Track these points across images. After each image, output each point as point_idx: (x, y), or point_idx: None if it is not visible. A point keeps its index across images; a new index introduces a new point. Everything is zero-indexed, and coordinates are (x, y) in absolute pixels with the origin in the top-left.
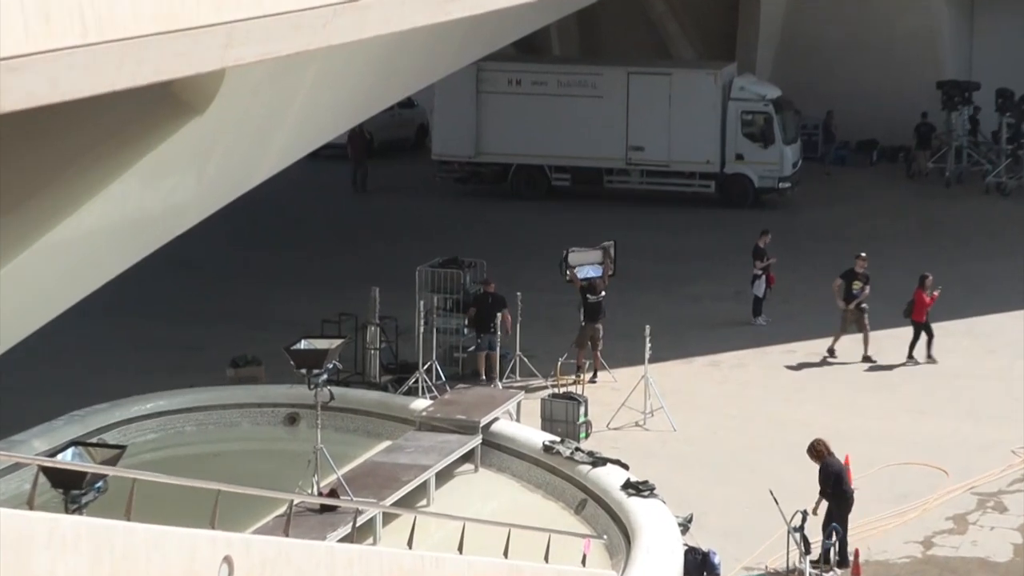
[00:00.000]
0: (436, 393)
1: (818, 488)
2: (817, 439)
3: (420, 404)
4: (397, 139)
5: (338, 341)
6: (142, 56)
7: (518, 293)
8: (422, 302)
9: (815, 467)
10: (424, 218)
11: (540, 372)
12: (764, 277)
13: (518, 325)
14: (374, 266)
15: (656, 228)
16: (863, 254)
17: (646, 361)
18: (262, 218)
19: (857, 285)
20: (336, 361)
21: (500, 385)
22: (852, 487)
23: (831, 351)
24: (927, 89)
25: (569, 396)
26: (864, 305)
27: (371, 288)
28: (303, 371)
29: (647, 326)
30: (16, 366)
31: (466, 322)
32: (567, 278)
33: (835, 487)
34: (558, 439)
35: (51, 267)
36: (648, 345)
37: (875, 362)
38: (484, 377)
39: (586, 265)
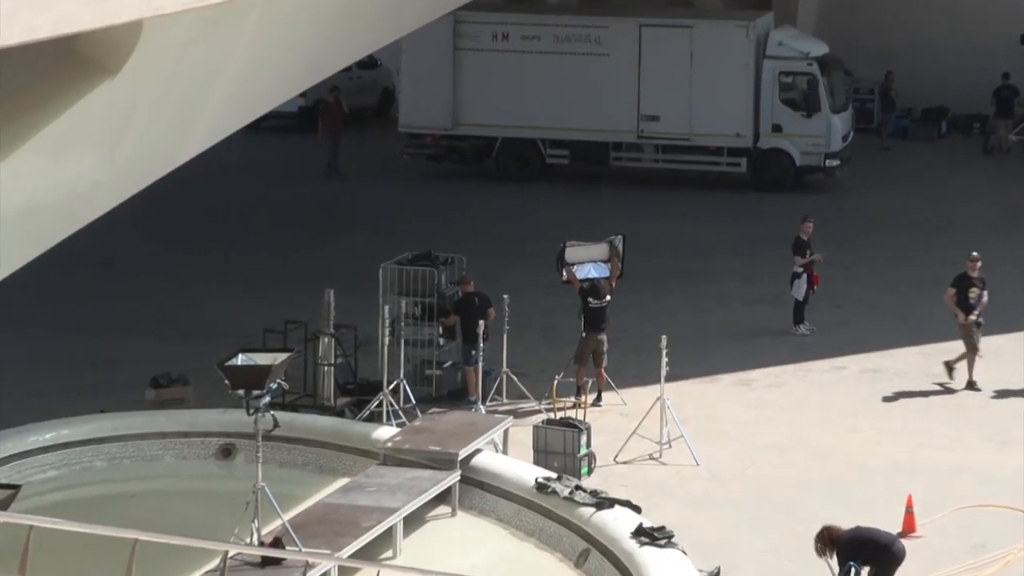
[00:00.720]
0: (404, 419)
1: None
2: (823, 528)
3: (385, 433)
4: (356, 107)
5: (284, 355)
6: (40, 4)
7: (504, 296)
8: (387, 307)
9: (869, 507)
10: (390, 204)
11: (532, 393)
12: (806, 276)
13: (504, 336)
14: (328, 264)
15: (675, 216)
16: (975, 254)
17: (662, 380)
18: (188, 206)
19: (974, 293)
20: (281, 380)
21: (483, 409)
22: (913, 534)
23: (950, 369)
24: (1008, 44)
25: (568, 423)
26: (980, 319)
27: (324, 290)
28: (240, 392)
29: (663, 337)
30: None
31: (440, 331)
32: (564, 278)
33: (871, 556)
34: (554, 475)
35: None
36: (665, 360)
37: (979, 389)
38: (473, 398)
39: (588, 263)
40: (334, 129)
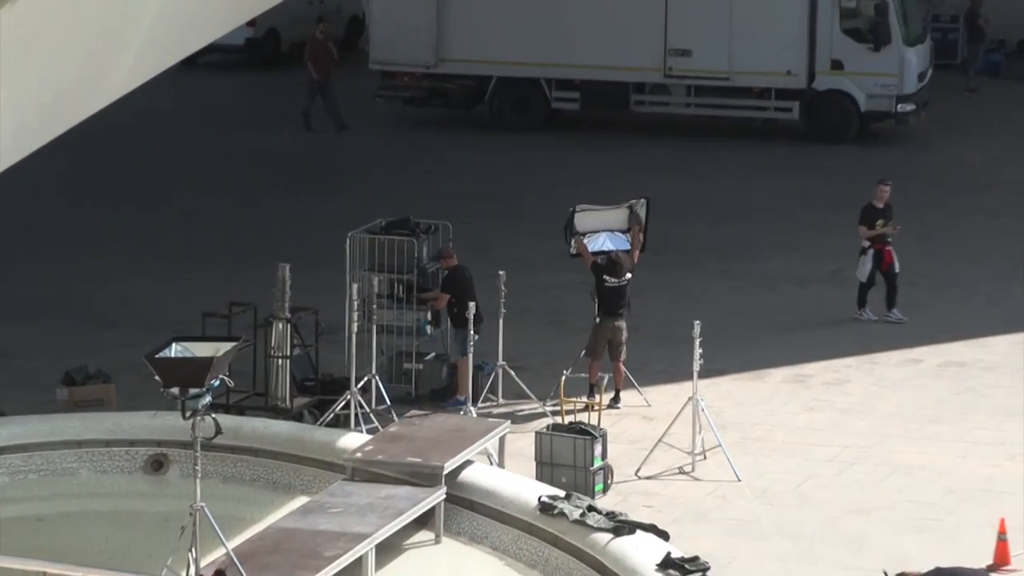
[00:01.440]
0: (377, 424)
1: None
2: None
3: (353, 441)
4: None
5: (228, 345)
6: None
7: (500, 273)
8: (355, 286)
9: (952, 535)
10: (359, 159)
11: (534, 392)
12: (873, 253)
13: (499, 322)
14: (283, 233)
15: (711, 174)
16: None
17: (695, 376)
18: (109, 162)
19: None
20: (225, 375)
21: (473, 412)
22: (1007, 567)
23: None
24: None
25: (579, 428)
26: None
27: (278, 266)
28: (174, 391)
29: (696, 323)
30: None
31: (429, 317)
32: (573, 251)
33: None
34: (562, 493)
35: None
36: (698, 352)
37: None
38: (463, 397)
39: (603, 232)
40: (324, 73)
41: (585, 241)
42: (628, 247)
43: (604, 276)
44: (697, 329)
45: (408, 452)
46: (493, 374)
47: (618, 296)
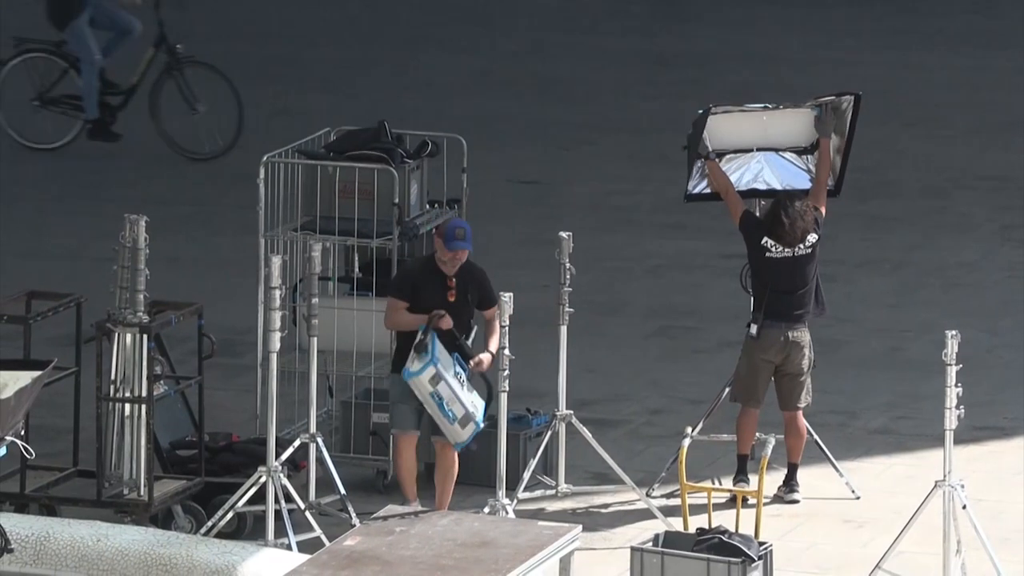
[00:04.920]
0: (319, 532)
1: None
2: None
3: (271, 568)
4: None
5: (27, 376)
6: None
7: (562, 234)
8: (277, 260)
9: None
10: (272, 19)
11: (627, 470)
12: None
13: (561, 331)
14: (133, 157)
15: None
16: None
17: (948, 439)
18: None
19: None
20: (18, 437)
21: (508, 508)
22: None
23: None
24: None
25: (719, 541)
26: None
27: (126, 221)
28: None
29: (951, 335)
30: None
31: (421, 335)
32: (698, 186)
33: None
34: None
35: None
36: (956, 392)
37: None
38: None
39: (760, 154)
40: None
41: (723, 168)
42: (812, 186)
43: (764, 240)
44: (952, 346)
45: None
46: (548, 434)
47: (791, 280)
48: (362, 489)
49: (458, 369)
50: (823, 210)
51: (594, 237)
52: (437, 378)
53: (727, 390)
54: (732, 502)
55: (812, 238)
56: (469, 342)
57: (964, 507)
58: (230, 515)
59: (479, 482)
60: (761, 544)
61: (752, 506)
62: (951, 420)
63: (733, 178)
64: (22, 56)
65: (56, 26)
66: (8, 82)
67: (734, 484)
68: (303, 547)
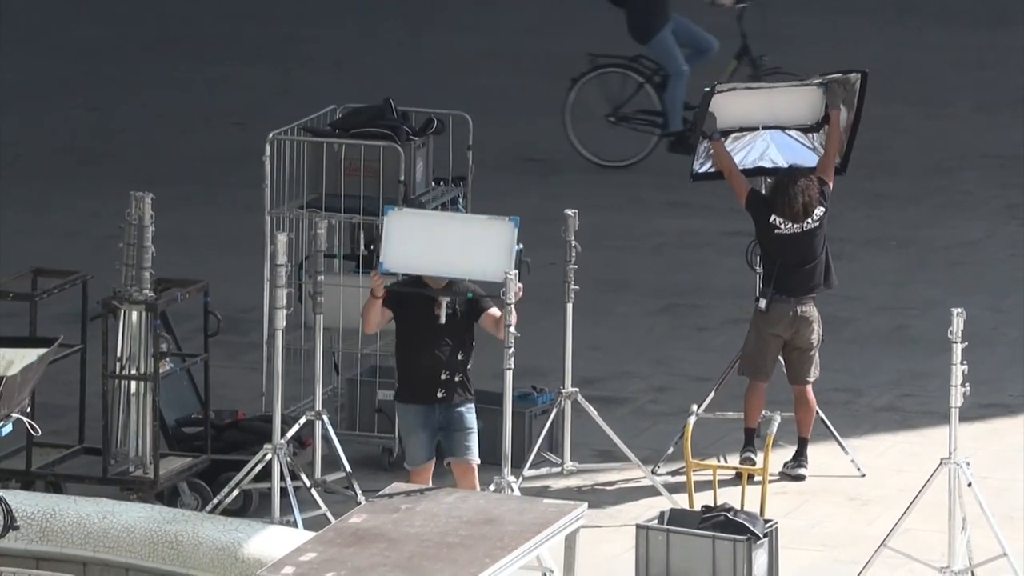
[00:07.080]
0: (324, 510)
1: None
2: None
3: (277, 545)
4: None
5: (33, 354)
6: None
7: (567, 212)
8: (283, 237)
9: None
10: None
11: (631, 447)
12: None
13: (567, 308)
14: (139, 137)
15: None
16: None
17: (954, 417)
18: None
19: None
20: (24, 414)
21: (514, 485)
22: None
23: None
24: None
25: (724, 519)
26: None
27: (132, 199)
28: None
29: (957, 312)
30: None
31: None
32: (704, 166)
33: None
34: None
35: None
36: (961, 370)
37: None
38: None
39: (766, 132)
40: None
41: (730, 147)
42: (818, 162)
43: (771, 218)
44: (958, 324)
45: (385, 567)
46: (553, 412)
47: (800, 255)
48: (368, 466)
49: None
50: (831, 184)
51: (600, 215)
52: None
53: (734, 364)
54: (738, 479)
55: (819, 212)
56: (469, 366)
57: (969, 484)
58: (236, 492)
59: (485, 459)
60: (767, 521)
61: (758, 483)
62: (956, 398)
63: (738, 157)
64: (596, 71)
65: (639, 40)
66: (579, 99)
67: (740, 458)
68: (309, 524)
